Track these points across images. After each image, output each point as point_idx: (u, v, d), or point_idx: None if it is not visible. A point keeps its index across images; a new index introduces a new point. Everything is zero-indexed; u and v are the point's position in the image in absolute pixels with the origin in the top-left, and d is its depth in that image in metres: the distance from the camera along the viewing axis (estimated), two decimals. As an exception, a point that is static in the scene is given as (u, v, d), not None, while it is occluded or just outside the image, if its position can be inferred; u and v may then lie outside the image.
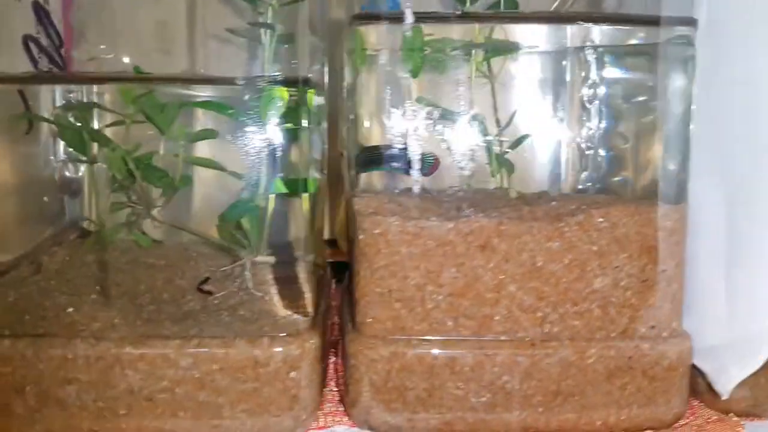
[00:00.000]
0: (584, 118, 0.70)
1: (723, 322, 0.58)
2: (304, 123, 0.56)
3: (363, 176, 0.61)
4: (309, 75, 0.55)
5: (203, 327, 0.55)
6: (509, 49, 0.64)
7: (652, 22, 0.58)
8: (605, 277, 0.56)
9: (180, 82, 0.63)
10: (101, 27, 0.72)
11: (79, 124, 0.65)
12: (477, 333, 0.56)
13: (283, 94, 0.56)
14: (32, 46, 0.67)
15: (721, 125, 0.57)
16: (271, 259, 0.60)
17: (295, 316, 0.57)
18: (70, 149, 0.68)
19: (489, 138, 0.64)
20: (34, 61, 0.68)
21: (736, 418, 0.60)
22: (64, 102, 0.70)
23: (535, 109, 0.71)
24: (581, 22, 0.59)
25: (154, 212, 0.61)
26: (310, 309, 0.57)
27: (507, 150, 0.66)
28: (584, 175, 0.71)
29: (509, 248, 0.55)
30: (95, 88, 0.71)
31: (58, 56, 0.70)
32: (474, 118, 0.62)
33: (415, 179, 0.59)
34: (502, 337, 0.56)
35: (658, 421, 0.57)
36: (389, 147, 0.58)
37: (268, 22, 0.60)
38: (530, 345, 0.56)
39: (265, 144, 0.56)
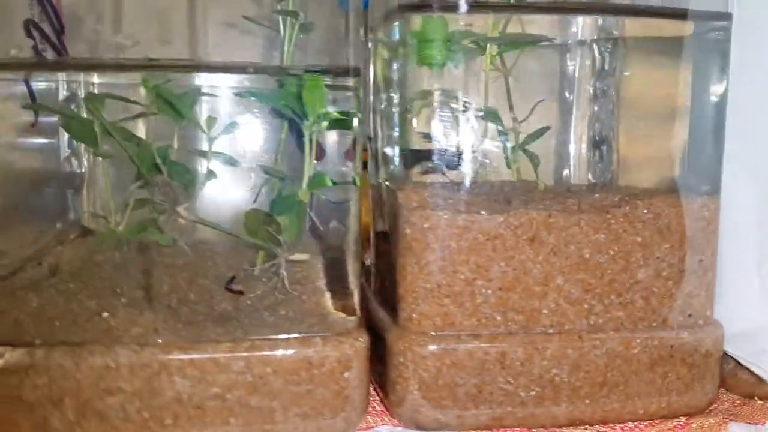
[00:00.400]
0: (597, 111, 0.71)
1: (757, 308, 0.59)
2: (356, 115, 0.54)
3: (399, 168, 0.60)
4: (357, 65, 0.53)
5: (248, 329, 0.53)
6: (537, 41, 0.64)
7: (685, 15, 0.59)
8: (648, 268, 0.57)
9: (218, 70, 0.59)
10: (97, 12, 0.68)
11: (89, 117, 0.61)
12: (525, 327, 0.56)
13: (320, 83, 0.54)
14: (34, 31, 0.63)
15: (750, 116, 0.59)
16: (306, 257, 0.58)
17: (343, 315, 0.55)
18: (79, 142, 0.64)
19: (510, 130, 0.64)
20: (35, 47, 0.63)
21: (760, 402, 0.61)
22: (67, 94, 0.66)
23: (551, 102, 0.71)
24: (618, 14, 0.60)
25: (180, 209, 0.58)
26: (357, 307, 0.55)
27: (527, 142, 0.66)
28: (599, 167, 0.72)
29: (557, 241, 0.55)
30: (96, 78, 0.67)
31: (59, 42, 0.66)
32: (488, 111, 0.62)
33: (449, 172, 0.58)
34: (550, 330, 0.56)
35: (694, 407, 0.59)
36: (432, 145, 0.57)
37: (290, 8, 0.58)
38: (578, 337, 0.56)
39: (309, 136, 0.54)
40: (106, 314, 0.52)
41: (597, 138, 0.71)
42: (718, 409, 0.61)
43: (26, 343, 0.50)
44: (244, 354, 0.50)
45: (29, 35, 0.63)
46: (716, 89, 0.59)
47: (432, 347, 0.54)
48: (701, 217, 0.57)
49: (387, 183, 0.59)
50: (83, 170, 0.69)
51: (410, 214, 0.55)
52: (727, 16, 0.58)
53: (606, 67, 0.70)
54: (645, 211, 0.56)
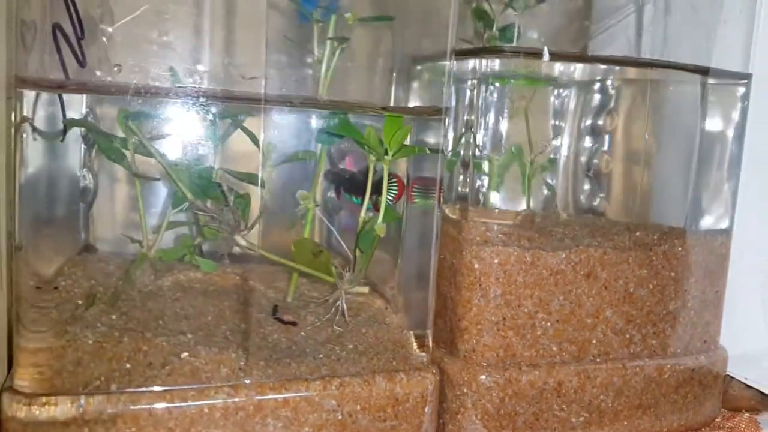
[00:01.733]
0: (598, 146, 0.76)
1: (761, 332, 0.67)
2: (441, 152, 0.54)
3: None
4: (446, 105, 0.53)
5: (329, 365, 0.52)
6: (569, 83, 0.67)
7: (707, 72, 0.64)
8: (677, 300, 0.62)
9: (315, 106, 0.57)
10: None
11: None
12: (576, 357, 0.59)
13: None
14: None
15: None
16: (365, 290, 0.58)
17: (419, 349, 0.55)
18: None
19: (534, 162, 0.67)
20: (59, 52, 0.58)
21: (747, 414, 0.69)
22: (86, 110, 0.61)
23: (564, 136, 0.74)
24: (650, 67, 0.64)
25: (238, 237, 0.56)
26: (430, 341, 0.56)
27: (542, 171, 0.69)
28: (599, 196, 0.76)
29: (609, 276, 0.59)
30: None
31: (80, 49, 0.61)
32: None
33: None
34: (598, 360, 0.60)
35: (703, 422, 0.65)
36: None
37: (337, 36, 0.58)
38: (622, 366, 0.60)
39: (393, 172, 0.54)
40: (185, 354, 0.49)
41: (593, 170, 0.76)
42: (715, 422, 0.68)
43: (97, 389, 0.46)
44: (336, 392, 0.50)
45: (55, 39, 0.57)
46: (731, 135, 0.65)
47: (496, 378, 0.56)
48: (720, 253, 0.63)
49: (451, 215, 0.60)
50: (93, 187, 0.65)
51: (480, 249, 0.56)
52: (746, 76, 0.64)
53: (612, 105, 0.74)
54: (680, 248, 0.61)
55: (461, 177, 0.60)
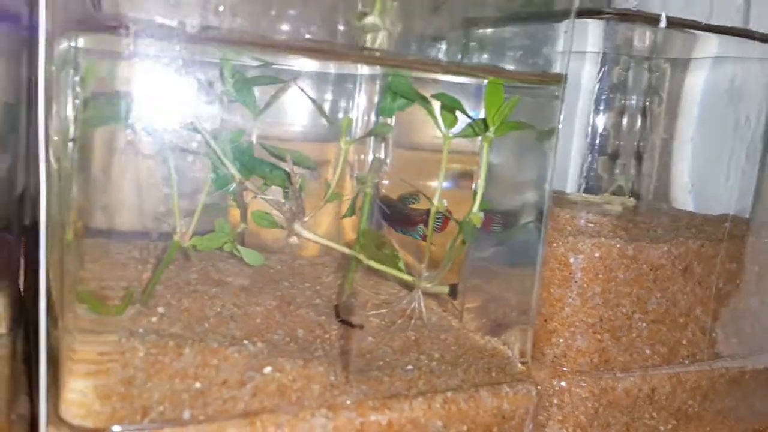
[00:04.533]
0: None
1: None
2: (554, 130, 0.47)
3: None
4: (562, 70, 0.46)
5: (425, 378, 0.44)
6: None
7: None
8: (757, 296, 0.58)
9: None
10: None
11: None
12: (667, 360, 0.54)
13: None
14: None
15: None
16: (445, 289, 0.50)
17: (516, 357, 0.48)
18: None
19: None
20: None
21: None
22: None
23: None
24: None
25: (298, 225, 0.46)
26: (528, 350, 0.49)
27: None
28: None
29: (703, 271, 0.54)
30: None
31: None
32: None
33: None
34: (686, 362, 0.54)
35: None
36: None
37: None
38: (709, 368, 0.55)
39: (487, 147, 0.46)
40: (269, 369, 0.40)
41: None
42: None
43: (161, 418, 0.37)
44: (440, 410, 0.42)
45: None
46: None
47: (593, 387, 0.50)
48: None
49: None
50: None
51: (577, 240, 0.49)
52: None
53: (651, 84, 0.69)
54: (766, 240, 0.57)
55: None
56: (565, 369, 0.50)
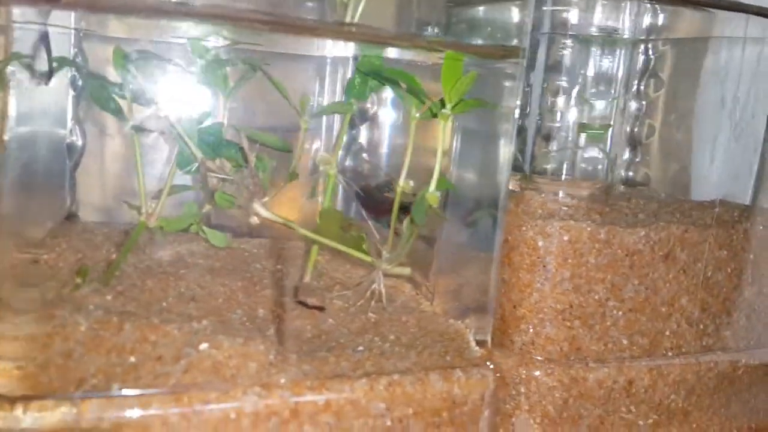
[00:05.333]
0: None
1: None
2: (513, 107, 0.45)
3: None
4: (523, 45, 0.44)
5: (373, 360, 0.43)
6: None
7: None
8: (753, 286, 0.55)
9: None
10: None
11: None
12: (648, 351, 0.51)
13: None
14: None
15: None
16: (407, 271, 0.49)
17: (473, 341, 0.47)
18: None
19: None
20: None
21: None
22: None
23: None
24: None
25: (257, 205, 0.46)
26: (489, 330, 0.48)
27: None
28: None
29: (688, 258, 0.51)
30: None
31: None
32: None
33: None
34: (670, 354, 0.52)
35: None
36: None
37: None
38: (696, 361, 0.52)
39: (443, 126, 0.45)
40: (205, 345, 0.40)
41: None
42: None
43: (94, 389, 0.37)
44: (384, 392, 0.41)
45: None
46: None
47: (562, 376, 0.48)
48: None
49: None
50: (81, 144, 0.54)
51: (545, 224, 0.48)
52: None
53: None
54: (761, 227, 0.54)
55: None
56: (533, 357, 0.48)
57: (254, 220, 0.47)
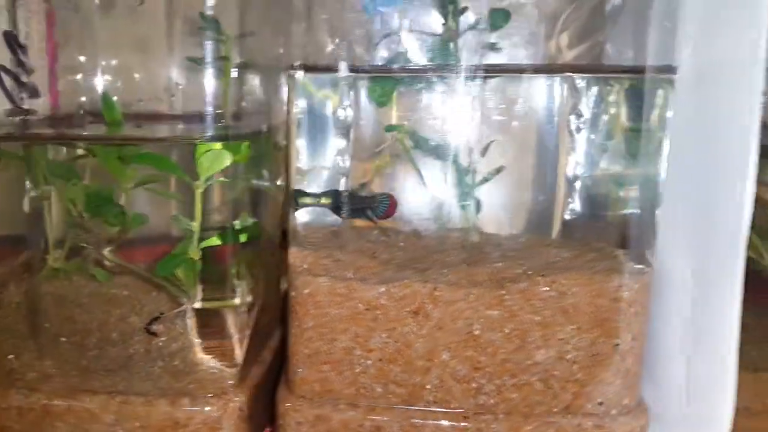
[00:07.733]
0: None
1: (682, 400, 0.53)
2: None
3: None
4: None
5: (134, 381, 0.55)
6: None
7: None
8: (549, 349, 0.52)
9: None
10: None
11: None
12: (407, 401, 0.53)
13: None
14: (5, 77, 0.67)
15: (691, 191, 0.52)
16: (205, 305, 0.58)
17: (223, 370, 0.56)
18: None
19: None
20: (8, 95, 0.67)
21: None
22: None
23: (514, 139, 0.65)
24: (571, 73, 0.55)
25: (106, 252, 0.60)
26: (238, 361, 0.56)
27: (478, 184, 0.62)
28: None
29: (443, 315, 0.52)
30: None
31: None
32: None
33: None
34: (433, 407, 0.53)
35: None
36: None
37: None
38: (462, 417, 0.53)
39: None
40: (11, 356, 0.56)
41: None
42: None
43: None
44: (116, 407, 0.53)
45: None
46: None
47: (308, 413, 0.54)
48: (620, 298, 0.52)
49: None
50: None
51: (295, 277, 0.54)
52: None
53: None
54: (545, 288, 0.52)
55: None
56: (294, 395, 0.55)
57: (107, 263, 0.62)
